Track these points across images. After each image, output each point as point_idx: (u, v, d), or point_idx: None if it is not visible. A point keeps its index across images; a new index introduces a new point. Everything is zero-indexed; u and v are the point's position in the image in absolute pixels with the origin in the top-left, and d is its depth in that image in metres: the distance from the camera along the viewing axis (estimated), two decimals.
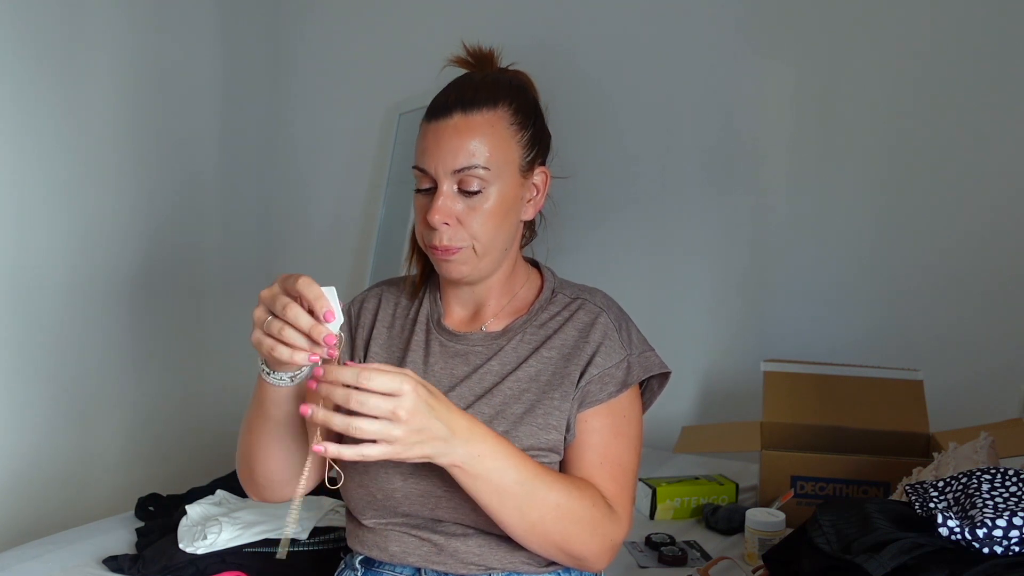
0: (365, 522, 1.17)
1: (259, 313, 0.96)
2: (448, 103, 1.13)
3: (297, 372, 1.02)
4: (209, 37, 2.86)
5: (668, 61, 2.54)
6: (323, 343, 0.93)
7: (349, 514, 1.22)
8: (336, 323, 0.94)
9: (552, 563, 1.15)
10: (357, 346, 1.25)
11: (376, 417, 0.91)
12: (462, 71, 1.23)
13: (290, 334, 0.93)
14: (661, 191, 2.57)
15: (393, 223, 2.85)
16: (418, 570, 1.16)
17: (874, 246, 2.32)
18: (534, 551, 1.10)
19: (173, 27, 2.73)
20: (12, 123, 2.30)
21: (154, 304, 2.73)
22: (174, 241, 2.78)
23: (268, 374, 1.02)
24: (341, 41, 3.09)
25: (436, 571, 1.14)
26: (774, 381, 2.02)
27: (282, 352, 0.94)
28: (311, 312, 0.93)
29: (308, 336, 0.93)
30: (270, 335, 0.94)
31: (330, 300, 0.93)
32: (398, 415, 0.91)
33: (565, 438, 1.14)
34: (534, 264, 1.28)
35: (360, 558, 1.22)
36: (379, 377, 0.91)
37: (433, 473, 1.09)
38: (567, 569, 1.17)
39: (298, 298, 0.94)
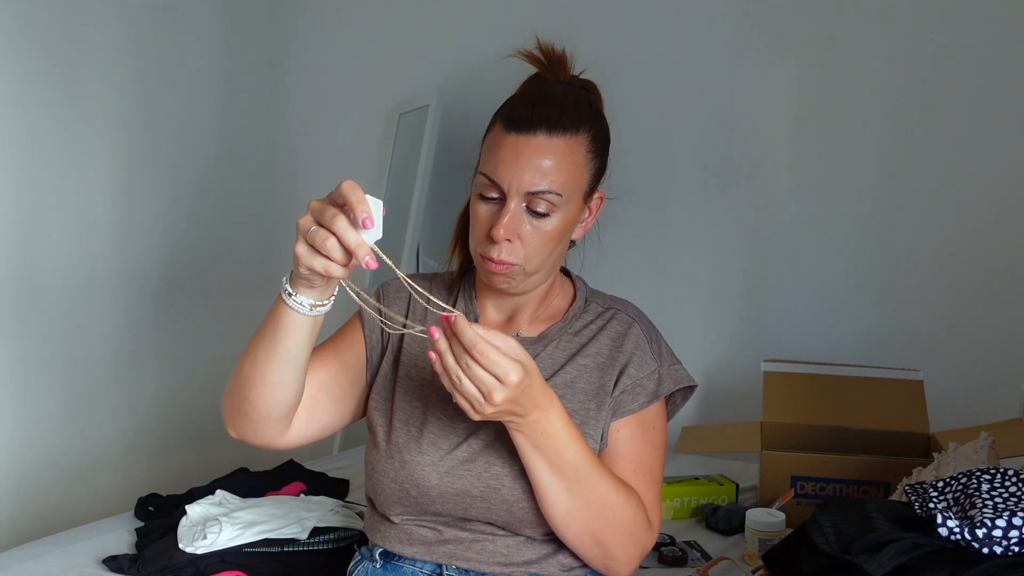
0: (393, 518, 1.17)
1: (304, 222, 0.94)
2: (533, 119, 1.09)
3: (318, 303, 1.00)
4: (209, 38, 2.86)
5: (669, 61, 2.54)
6: (364, 265, 0.92)
7: (373, 509, 1.21)
8: (373, 233, 0.92)
9: (577, 567, 1.15)
10: (390, 334, 1.23)
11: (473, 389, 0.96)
12: (516, 63, 1.21)
13: (332, 245, 0.92)
14: (662, 191, 2.57)
15: (393, 223, 2.86)
16: (439, 566, 1.16)
17: (874, 246, 2.32)
18: (570, 539, 1.10)
19: (174, 28, 2.73)
20: (14, 123, 2.30)
21: (154, 305, 2.73)
22: (174, 242, 2.78)
23: (290, 295, 1.00)
24: (341, 41, 3.09)
25: (458, 568, 1.14)
26: (774, 381, 2.02)
27: (316, 263, 0.93)
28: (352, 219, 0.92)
29: (352, 252, 0.92)
30: (312, 245, 0.93)
31: (373, 209, 0.92)
32: (493, 397, 0.96)
33: (599, 447, 1.14)
34: (565, 274, 1.29)
35: (380, 550, 1.21)
36: (494, 356, 0.95)
37: (469, 473, 1.10)
38: (589, 574, 1.17)
39: (345, 208, 0.93)
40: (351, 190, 0.92)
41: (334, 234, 0.91)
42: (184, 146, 2.80)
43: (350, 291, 1.02)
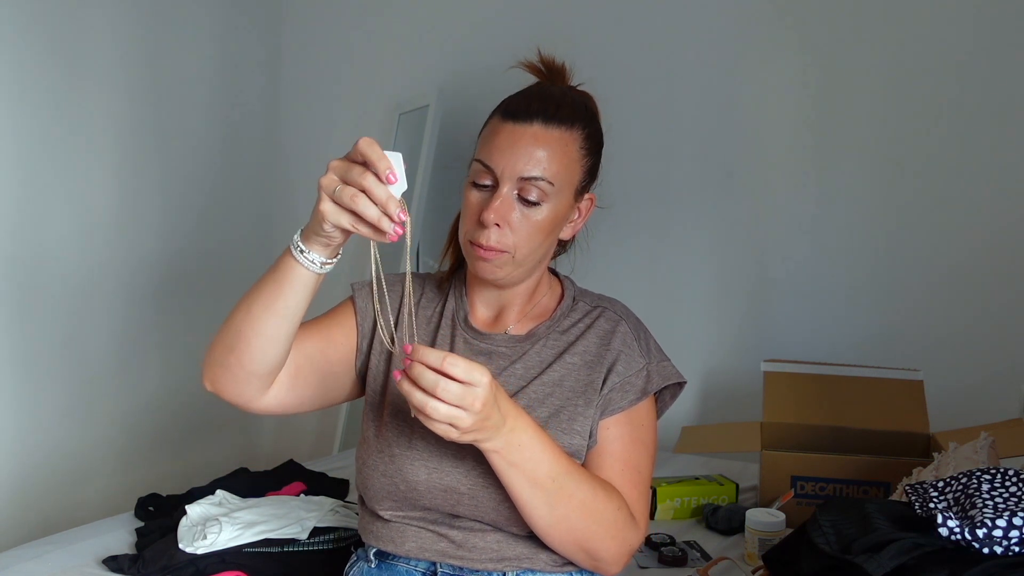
0: (382, 513, 1.17)
1: (327, 180, 0.95)
2: (531, 110, 1.13)
3: (328, 261, 1.01)
4: (209, 37, 2.86)
5: (668, 61, 2.54)
6: (396, 218, 0.93)
7: (364, 506, 1.22)
8: (399, 186, 0.94)
9: (567, 563, 1.16)
10: (381, 325, 1.23)
11: (450, 403, 0.95)
12: (520, 74, 1.24)
13: (362, 201, 0.93)
14: (661, 191, 2.57)
15: None
16: (433, 564, 1.16)
17: (875, 246, 2.32)
18: (555, 547, 1.11)
19: (175, 28, 2.73)
20: (16, 122, 2.30)
21: (155, 304, 2.73)
22: (174, 241, 2.78)
23: (302, 252, 1.01)
24: (341, 41, 3.09)
25: (451, 566, 1.15)
26: (774, 381, 2.02)
27: (343, 220, 0.94)
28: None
29: (382, 207, 0.93)
30: (340, 203, 0.94)
31: (394, 163, 0.93)
32: (474, 406, 0.95)
33: (587, 444, 1.15)
34: (554, 274, 1.30)
35: (374, 550, 1.22)
36: (463, 364, 0.94)
37: (456, 470, 1.11)
38: (581, 571, 1.18)
39: (366, 165, 0.94)
40: (369, 147, 0.93)
41: (363, 190, 0.93)
42: (184, 145, 2.80)
43: (373, 259, 1.03)
